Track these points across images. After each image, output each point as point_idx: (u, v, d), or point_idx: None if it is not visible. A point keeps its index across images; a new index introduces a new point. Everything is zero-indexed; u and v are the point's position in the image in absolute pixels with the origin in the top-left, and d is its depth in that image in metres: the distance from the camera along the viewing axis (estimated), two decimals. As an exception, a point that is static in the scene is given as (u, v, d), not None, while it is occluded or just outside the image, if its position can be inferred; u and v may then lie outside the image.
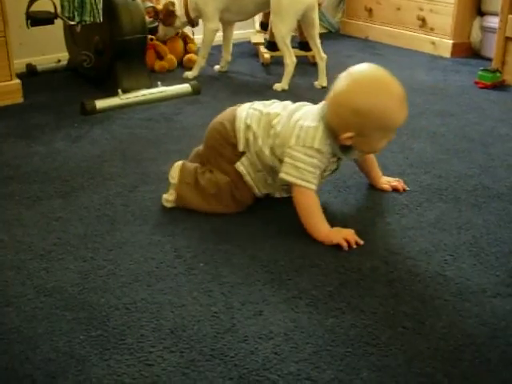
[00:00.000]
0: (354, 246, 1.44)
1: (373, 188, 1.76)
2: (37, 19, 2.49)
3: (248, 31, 3.60)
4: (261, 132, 1.55)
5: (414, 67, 3.18)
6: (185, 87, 2.65)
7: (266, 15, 3.29)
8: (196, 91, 2.65)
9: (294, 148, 1.47)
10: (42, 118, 2.34)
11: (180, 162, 1.64)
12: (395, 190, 1.74)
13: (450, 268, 1.38)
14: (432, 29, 3.47)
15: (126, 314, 1.21)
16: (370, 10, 3.82)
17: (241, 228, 1.54)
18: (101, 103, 2.41)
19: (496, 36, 2.89)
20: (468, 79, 2.94)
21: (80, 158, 1.97)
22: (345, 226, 1.50)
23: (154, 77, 2.74)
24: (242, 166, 1.58)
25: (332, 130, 1.47)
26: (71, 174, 1.84)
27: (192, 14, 2.87)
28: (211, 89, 2.75)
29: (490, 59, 3.02)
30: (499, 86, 2.81)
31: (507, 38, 2.81)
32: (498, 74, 2.82)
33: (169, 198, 1.62)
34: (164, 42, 3.12)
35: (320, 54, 2.78)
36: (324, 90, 2.73)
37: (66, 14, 2.45)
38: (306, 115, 1.51)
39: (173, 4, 2.90)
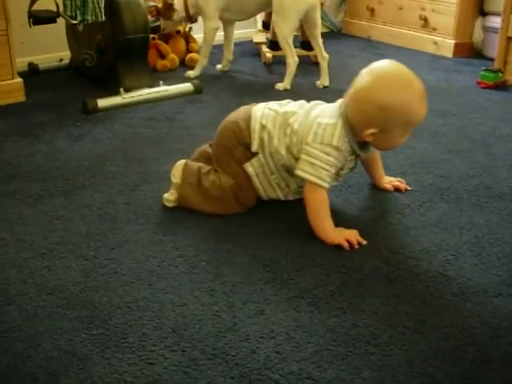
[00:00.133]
0: (356, 247, 1.44)
1: (375, 188, 1.76)
2: (39, 18, 2.49)
3: (250, 30, 3.60)
4: (277, 131, 1.54)
5: (416, 67, 3.13)
6: (187, 86, 2.65)
7: (268, 15, 3.28)
8: (198, 90, 2.66)
9: (312, 145, 1.47)
10: (43, 116, 2.35)
11: (183, 161, 1.64)
12: (397, 189, 1.75)
13: (452, 268, 1.38)
14: (434, 29, 3.47)
15: (127, 313, 1.21)
16: (372, 10, 3.82)
17: (242, 227, 1.54)
18: (103, 102, 2.41)
19: (498, 36, 2.89)
20: (470, 79, 2.93)
21: (82, 157, 1.97)
22: (347, 226, 1.50)
23: (156, 76, 2.75)
24: (251, 167, 1.57)
25: (352, 127, 1.47)
26: (73, 173, 1.85)
27: (191, 10, 2.87)
28: (213, 88, 2.75)
29: (492, 59, 3.02)
30: (501, 86, 2.81)
31: (509, 38, 2.80)
32: (500, 74, 2.82)
33: (169, 197, 1.62)
34: (166, 41, 3.13)
35: (322, 53, 2.77)
36: (326, 90, 2.73)
37: (68, 13, 2.46)
38: (324, 112, 1.51)
39: None
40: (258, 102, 1.69)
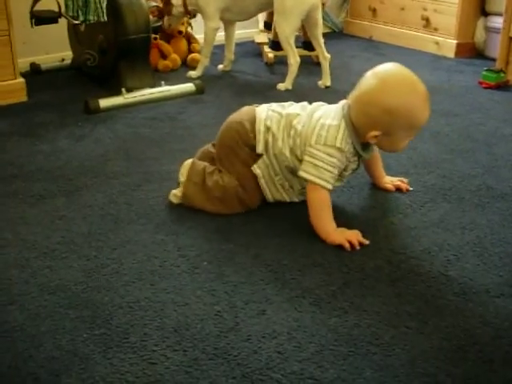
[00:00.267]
0: (358, 248, 1.44)
1: (376, 188, 1.76)
2: (41, 18, 2.50)
3: (252, 31, 3.60)
4: (281, 133, 1.55)
5: (417, 67, 3.13)
6: (188, 86, 2.66)
7: (270, 15, 3.28)
8: (200, 90, 2.66)
9: (315, 147, 1.47)
10: (45, 116, 2.35)
11: (190, 160, 1.64)
12: (398, 189, 1.74)
13: (454, 268, 1.38)
14: (436, 29, 3.47)
15: (129, 313, 1.21)
16: (373, 10, 3.82)
17: (244, 227, 1.54)
18: (104, 102, 2.41)
19: (500, 36, 2.88)
20: (472, 79, 2.93)
21: (84, 157, 1.97)
22: (348, 226, 1.50)
23: (157, 76, 2.75)
24: (258, 168, 1.58)
25: (355, 129, 1.48)
26: (75, 173, 1.85)
27: (189, 7, 2.88)
28: (215, 88, 2.75)
29: (494, 59, 3.02)
30: (503, 86, 2.81)
31: (511, 38, 2.80)
32: (502, 74, 2.82)
33: (178, 193, 1.63)
34: (168, 41, 3.13)
35: (324, 53, 2.77)
36: (328, 90, 2.73)
37: (70, 13, 2.46)
38: (327, 114, 1.51)
39: None
40: (259, 102, 1.69)
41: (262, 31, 3.54)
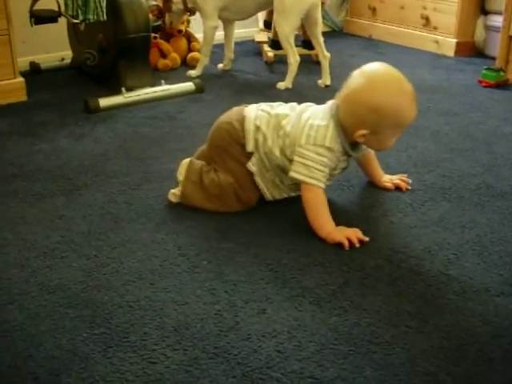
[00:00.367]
0: (357, 245, 1.44)
1: (376, 187, 1.76)
2: (40, 17, 2.49)
3: (251, 30, 3.60)
4: (270, 133, 1.56)
5: (417, 66, 3.17)
6: (188, 85, 2.65)
7: (270, 14, 3.28)
8: (199, 89, 2.66)
9: (305, 147, 1.48)
10: (45, 116, 2.35)
11: (188, 160, 1.65)
12: (398, 188, 1.74)
13: (454, 267, 1.38)
14: (436, 28, 3.46)
15: (129, 312, 1.21)
16: (373, 9, 3.81)
17: (244, 226, 1.54)
18: (104, 101, 2.41)
19: (500, 35, 2.88)
20: (472, 78, 2.93)
21: (83, 156, 1.97)
22: (348, 225, 1.50)
23: (157, 75, 2.75)
24: (253, 166, 1.58)
25: (344, 128, 1.48)
26: (75, 172, 1.85)
27: (188, 3, 2.88)
28: (215, 87, 2.75)
29: (493, 58, 3.01)
30: (503, 85, 2.81)
31: (511, 37, 2.80)
32: (502, 73, 2.81)
33: (176, 192, 1.63)
34: (167, 40, 3.13)
35: (323, 52, 2.77)
36: (327, 89, 2.73)
37: (70, 13, 2.46)
38: (315, 114, 1.52)
39: None
40: (259, 101, 1.69)
41: (261, 30, 3.54)
